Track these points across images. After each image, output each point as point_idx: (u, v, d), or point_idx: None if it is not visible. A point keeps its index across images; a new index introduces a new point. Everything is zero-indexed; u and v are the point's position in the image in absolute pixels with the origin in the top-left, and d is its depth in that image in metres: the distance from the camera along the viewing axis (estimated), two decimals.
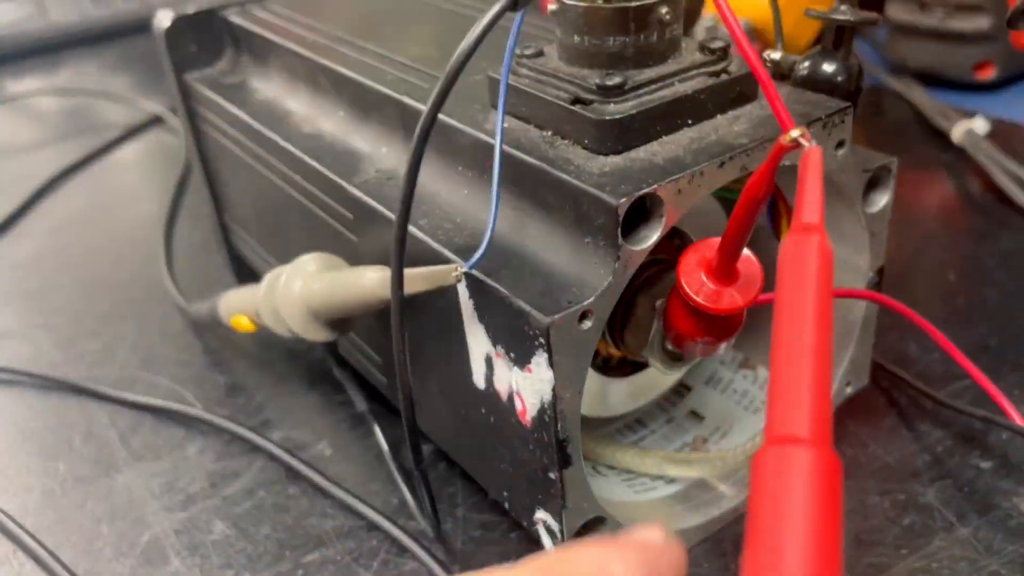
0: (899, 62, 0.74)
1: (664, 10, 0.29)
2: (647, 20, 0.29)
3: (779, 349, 0.17)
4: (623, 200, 0.26)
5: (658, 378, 0.40)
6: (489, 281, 0.28)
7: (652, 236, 0.28)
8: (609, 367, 0.37)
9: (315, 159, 0.37)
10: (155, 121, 0.81)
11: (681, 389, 0.41)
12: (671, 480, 0.36)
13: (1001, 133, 0.64)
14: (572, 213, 0.28)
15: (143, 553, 0.38)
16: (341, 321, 0.37)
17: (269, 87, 0.45)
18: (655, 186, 0.27)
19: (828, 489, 0.16)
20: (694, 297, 0.29)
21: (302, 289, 0.36)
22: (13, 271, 0.61)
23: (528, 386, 0.28)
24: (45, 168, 0.73)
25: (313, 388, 0.47)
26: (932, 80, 0.72)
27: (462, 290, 0.30)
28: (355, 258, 0.36)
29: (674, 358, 0.34)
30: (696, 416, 0.40)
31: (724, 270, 0.28)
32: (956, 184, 0.60)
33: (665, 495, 0.36)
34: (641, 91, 0.29)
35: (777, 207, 0.33)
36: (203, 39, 0.49)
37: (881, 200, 0.33)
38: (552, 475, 0.29)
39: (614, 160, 0.28)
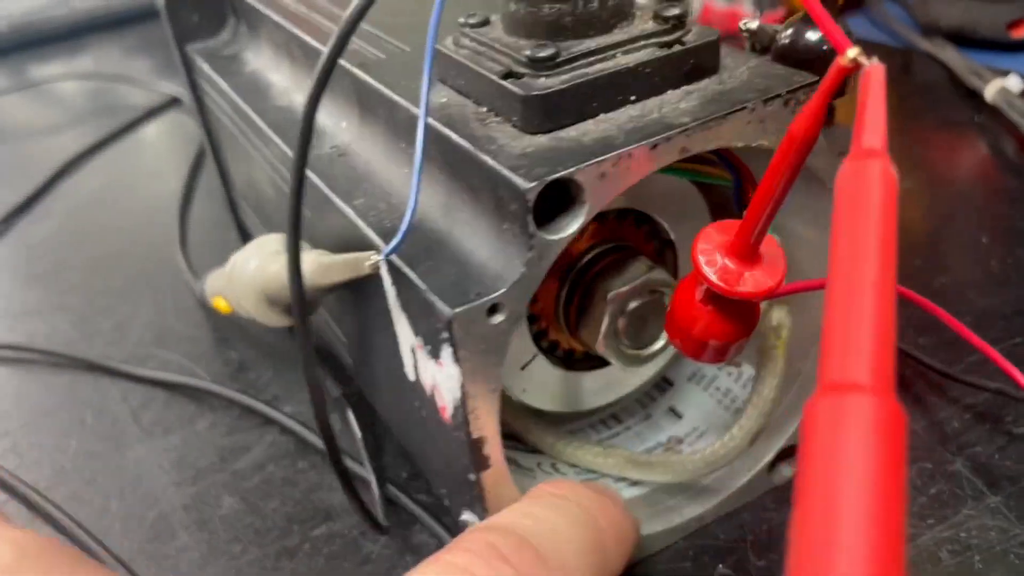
0: (930, 23, 0.70)
1: None
2: None
3: (835, 286, 0.15)
4: (533, 184, 0.24)
5: (633, 371, 0.37)
6: (405, 269, 0.27)
7: (573, 225, 0.25)
8: (573, 360, 0.35)
9: (279, 133, 0.36)
10: (173, 102, 0.81)
11: (663, 384, 0.38)
12: (635, 483, 0.34)
13: None
14: (491, 198, 0.26)
15: (151, 528, 0.37)
16: None
17: (258, 59, 0.44)
18: (572, 169, 0.24)
19: (892, 442, 0.13)
20: (713, 280, 0.25)
21: (256, 270, 0.34)
22: (29, 251, 0.61)
23: (443, 381, 0.26)
24: (65, 151, 0.74)
25: (322, 365, 0.46)
26: (964, 40, 0.69)
27: (386, 278, 0.28)
28: (313, 238, 0.35)
29: (631, 354, 0.31)
30: (675, 414, 0.37)
31: (749, 246, 0.25)
32: (990, 144, 0.58)
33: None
34: (577, 64, 0.26)
35: (745, 191, 0.30)
36: (204, 10, 0.48)
37: None
38: (471, 477, 0.27)
39: (540, 140, 0.26)
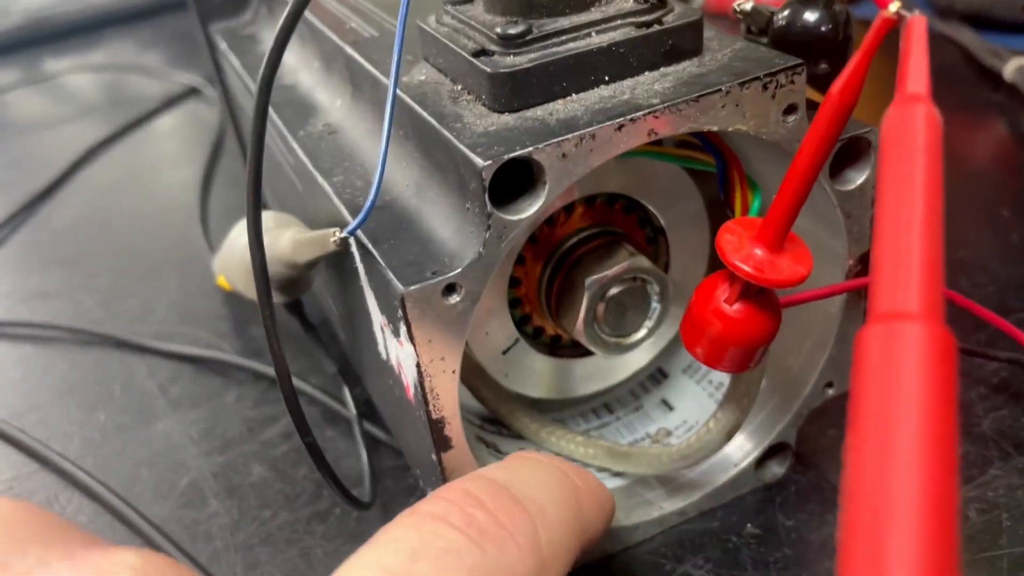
0: (946, 5, 0.70)
1: None
2: None
3: (883, 223, 0.16)
4: (489, 163, 0.23)
5: (623, 360, 0.36)
6: (370, 246, 0.26)
7: (534, 206, 0.25)
8: (560, 346, 0.34)
9: (277, 111, 0.36)
10: (191, 92, 0.81)
11: (658, 375, 0.37)
12: (617, 474, 0.33)
13: None
14: (456, 176, 0.26)
15: (182, 495, 0.38)
16: (289, 283, 0.36)
17: (272, 39, 0.44)
18: (530, 148, 0.24)
19: (943, 366, 0.14)
20: (745, 268, 0.24)
21: (245, 248, 0.34)
22: (54, 237, 0.62)
23: (404, 360, 0.26)
24: (81, 142, 0.74)
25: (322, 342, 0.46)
26: (979, 22, 0.68)
27: (356, 255, 0.28)
28: (304, 216, 0.35)
29: (611, 342, 0.31)
30: (667, 406, 0.36)
31: (780, 232, 0.24)
32: (1008, 122, 0.58)
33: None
34: (549, 42, 0.26)
35: (730, 175, 0.29)
36: None
37: (857, 178, 0.29)
38: (434, 457, 0.27)
39: (505, 119, 0.25)
